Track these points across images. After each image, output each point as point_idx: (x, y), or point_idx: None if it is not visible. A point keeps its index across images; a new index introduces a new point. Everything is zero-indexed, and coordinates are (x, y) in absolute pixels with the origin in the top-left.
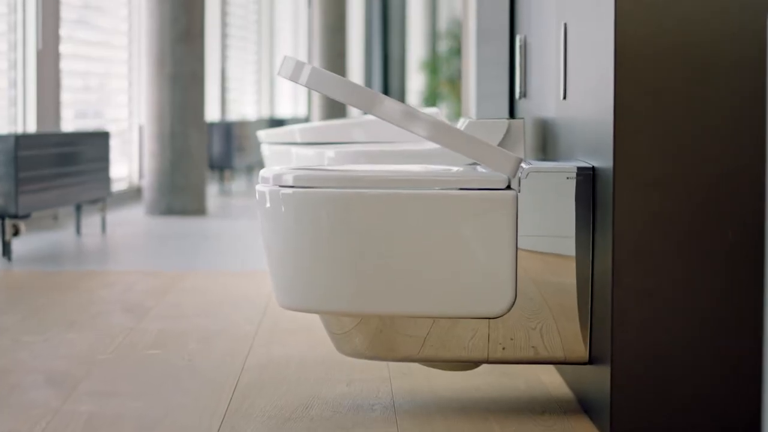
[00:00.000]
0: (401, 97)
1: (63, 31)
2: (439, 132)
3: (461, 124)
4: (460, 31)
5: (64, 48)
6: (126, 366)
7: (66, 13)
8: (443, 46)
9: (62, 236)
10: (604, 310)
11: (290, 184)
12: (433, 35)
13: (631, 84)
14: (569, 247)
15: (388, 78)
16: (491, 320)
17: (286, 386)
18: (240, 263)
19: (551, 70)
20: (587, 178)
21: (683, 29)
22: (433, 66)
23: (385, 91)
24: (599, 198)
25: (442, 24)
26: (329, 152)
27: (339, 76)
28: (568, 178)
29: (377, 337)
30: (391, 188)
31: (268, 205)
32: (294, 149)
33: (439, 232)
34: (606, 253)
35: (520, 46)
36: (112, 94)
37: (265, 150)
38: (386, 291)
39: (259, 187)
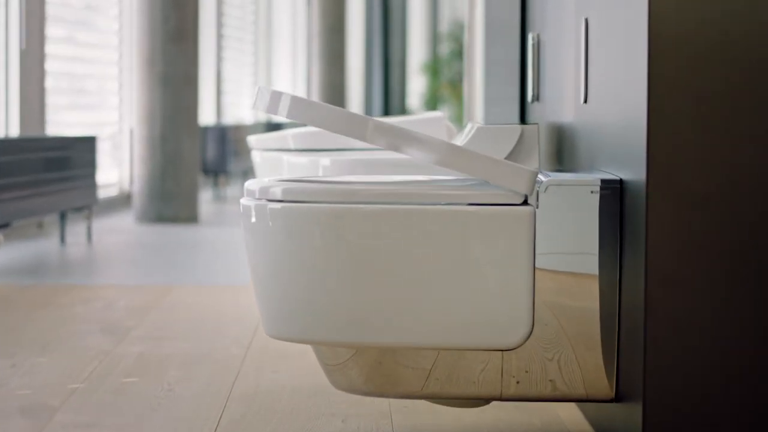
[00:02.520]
0: (401, 100)
1: (49, 31)
2: (441, 153)
3: (468, 130)
4: (461, 34)
5: (49, 48)
6: (101, 396)
7: (52, 11)
8: (445, 48)
9: (45, 246)
10: (634, 340)
11: (279, 198)
12: (434, 37)
13: (667, 84)
14: (592, 268)
15: (389, 80)
16: (504, 351)
17: (275, 422)
18: (230, 276)
19: (569, 70)
20: (614, 192)
21: (728, 22)
22: (434, 68)
23: (386, 93)
24: (628, 215)
25: (444, 26)
26: (324, 160)
27: (323, 104)
28: (592, 191)
29: (376, 369)
30: (391, 203)
31: (254, 221)
32: (286, 156)
33: (446, 252)
34: (637, 276)
35: (533, 45)
36: (102, 97)
37: (256, 157)
38: (386, 319)
39: (244, 201)
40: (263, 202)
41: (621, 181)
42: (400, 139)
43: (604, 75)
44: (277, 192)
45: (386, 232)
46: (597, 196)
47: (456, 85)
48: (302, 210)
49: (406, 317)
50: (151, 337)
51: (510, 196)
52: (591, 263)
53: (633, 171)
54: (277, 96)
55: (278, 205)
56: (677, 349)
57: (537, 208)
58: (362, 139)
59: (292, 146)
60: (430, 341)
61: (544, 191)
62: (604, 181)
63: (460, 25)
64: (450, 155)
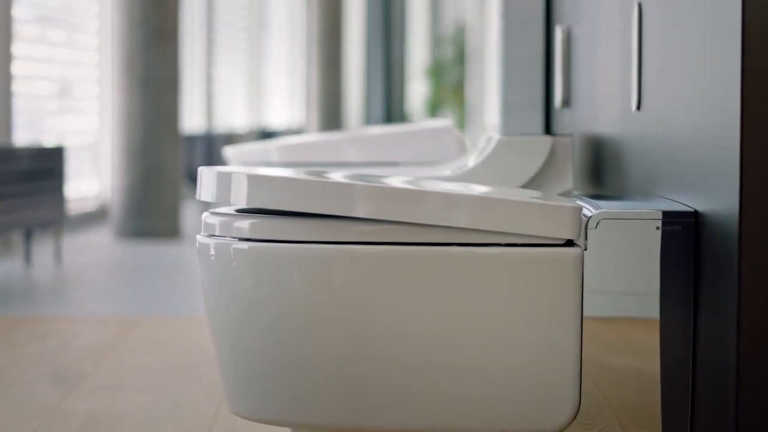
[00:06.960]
0: (401, 105)
1: (18, 30)
2: (461, 212)
3: (486, 142)
4: (463, 37)
5: (17, 49)
6: None
7: (21, 9)
8: (447, 51)
9: (8, 267)
10: (717, 420)
11: (246, 235)
12: (436, 40)
13: None
14: (652, 322)
15: (389, 84)
16: None
17: None
18: None
19: (612, 69)
20: (686, 228)
21: None
22: (435, 72)
23: (386, 98)
24: (708, 258)
25: (446, 28)
26: None
27: (293, 177)
28: (657, 227)
29: None
30: (394, 242)
31: (213, 265)
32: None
33: (466, 308)
34: (722, 337)
35: (562, 40)
36: (81, 102)
37: None
38: (390, 395)
39: (201, 239)
40: (226, 240)
41: (696, 214)
42: (404, 201)
43: (666, 75)
44: (243, 228)
45: (388, 280)
46: (660, 233)
47: (457, 90)
48: (277, 252)
49: (416, 393)
50: (106, 386)
51: (551, 236)
52: (651, 315)
53: (716, 200)
54: (225, 179)
55: (245, 245)
56: None
57: (586, 249)
58: (351, 213)
59: (276, 159)
60: (445, 425)
61: (595, 227)
62: (671, 214)
63: (462, 28)
64: (472, 212)
